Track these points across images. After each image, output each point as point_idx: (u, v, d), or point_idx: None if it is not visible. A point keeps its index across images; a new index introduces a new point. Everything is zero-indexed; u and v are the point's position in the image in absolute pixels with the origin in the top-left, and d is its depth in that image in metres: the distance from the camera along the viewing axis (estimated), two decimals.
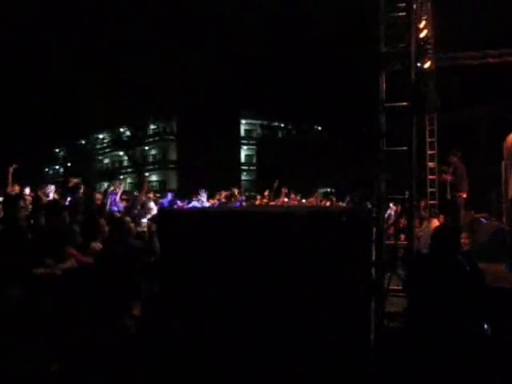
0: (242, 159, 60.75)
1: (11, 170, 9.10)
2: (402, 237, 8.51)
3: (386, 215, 10.37)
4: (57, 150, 67.95)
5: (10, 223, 5.14)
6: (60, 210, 7.03)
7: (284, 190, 15.49)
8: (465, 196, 12.11)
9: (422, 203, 12.30)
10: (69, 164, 65.50)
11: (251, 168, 60.03)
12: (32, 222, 6.64)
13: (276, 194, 15.35)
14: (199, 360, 3.67)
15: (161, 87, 35.95)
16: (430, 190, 14.21)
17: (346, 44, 25.36)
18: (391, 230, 8.90)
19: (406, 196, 6.51)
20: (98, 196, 9.65)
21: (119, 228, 6.00)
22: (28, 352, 4.67)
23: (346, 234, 4.63)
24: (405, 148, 6.44)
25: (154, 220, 8.43)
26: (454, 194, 12.12)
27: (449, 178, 12.38)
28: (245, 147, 61.15)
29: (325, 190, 38.72)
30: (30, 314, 4.73)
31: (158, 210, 7.82)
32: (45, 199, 8.77)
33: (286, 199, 15.23)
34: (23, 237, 5.09)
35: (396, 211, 13.73)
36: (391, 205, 13.54)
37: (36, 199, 8.33)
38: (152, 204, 10.27)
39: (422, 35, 9.44)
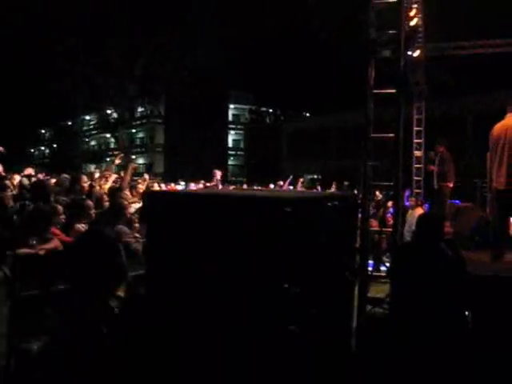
0: (230, 144, 60.69)
1: None
2: (374, 223, 8.57)
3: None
4: (42, 131, 67.30)
5: None
6: (44, 190, 7.00)
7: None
8: (451, 185, 12.22)
9: (406, 192, 12.37)
10: (54, 145, 64.97)
11: (238, 153, 59.99)
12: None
13: None
14: (183, 341, 3.68)
15: (150, 70, 35.61)
16: (415, 178, 14.29)
17: (336, 30, 25.23)
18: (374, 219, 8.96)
19: (392, 184, 6.55)
20: (85, 178, 9.60)
21: (108, 211, 5.99)
22: (10, 332, 4.66)
23: (331, 220, 4.65)
24: (392, 135, 6.46)
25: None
26: (441, 183, 12.21)
27: (435, 169, 12.48)
28: (232, 132, 61.07)
29: (311, 176, 38.77)
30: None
31: (146, 192, 7.79)
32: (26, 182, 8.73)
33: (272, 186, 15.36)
34: (7, 217, 5.06)
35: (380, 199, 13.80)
36: (377, 193, 13.59)
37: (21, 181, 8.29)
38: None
39: (412, 23, 9.42)
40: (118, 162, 11.87)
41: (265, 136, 49.32)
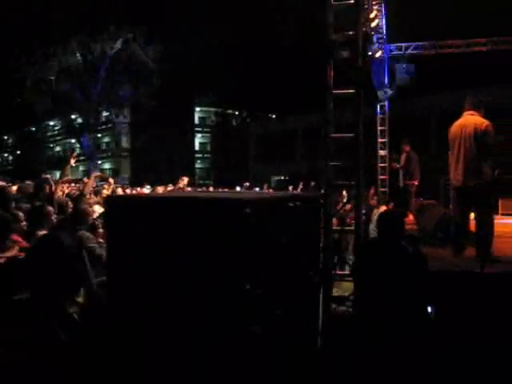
0: (196, 147, 60.43)
1: None
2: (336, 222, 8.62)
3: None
4: (5, 138, 66.05)
5: None
6: (4, 197, 6.87)
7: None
8: (417, 183, 12.45)
9: (371, 191, 12.53)
10: (18, 152, 63.85)
11: (205, 156, 59.81)
12: None
13: None
14: (145, 348, 3.65)
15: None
16: (380, 177, 14.48)
17: (299, 30, 25.38)
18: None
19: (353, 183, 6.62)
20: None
21: (69, 216, 5.90)
22: None
23: (293, 220, 4.68)
24: (351, 135, 6.54)
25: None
26: (406, 181, 12.44)
27: (399, 167, 12.70)
28: (199, 135, 60.82)
29: (279, 177, 38.92)
30: None
31: (105, 197, 7.71)
32: None
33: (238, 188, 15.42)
34: None
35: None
36: (344, 192, 13.70)
37: None
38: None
39: (372, 25, 9.54)
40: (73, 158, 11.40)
41: (232, 138, 49.31)
